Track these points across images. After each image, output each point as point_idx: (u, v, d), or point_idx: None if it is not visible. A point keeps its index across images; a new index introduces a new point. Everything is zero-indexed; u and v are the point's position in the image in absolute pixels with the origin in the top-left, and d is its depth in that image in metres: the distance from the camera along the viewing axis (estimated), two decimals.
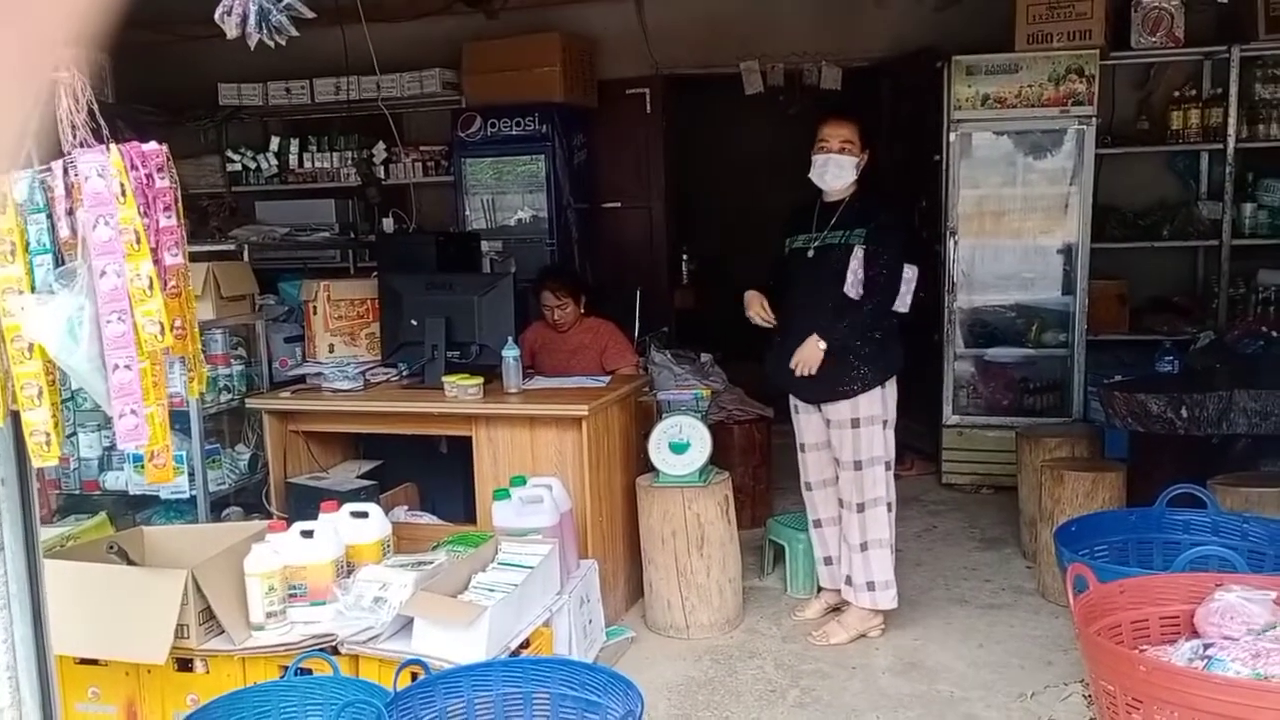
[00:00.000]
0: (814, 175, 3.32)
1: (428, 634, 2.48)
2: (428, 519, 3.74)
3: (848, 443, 3.34)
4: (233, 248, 4.36)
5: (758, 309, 3.32)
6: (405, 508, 3.77)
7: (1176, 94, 5.05)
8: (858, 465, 3.34)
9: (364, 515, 2.96)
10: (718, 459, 3.66)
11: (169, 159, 1.97)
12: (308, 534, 2.83)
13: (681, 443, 3.49)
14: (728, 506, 3.53)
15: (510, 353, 3.55)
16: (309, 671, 2.56)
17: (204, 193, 6.39)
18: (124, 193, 1.81)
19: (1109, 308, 5.11)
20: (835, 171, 3.28)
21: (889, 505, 3.38)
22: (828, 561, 3.58)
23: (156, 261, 1.94)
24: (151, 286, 1.82)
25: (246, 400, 3.82)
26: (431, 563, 2.83)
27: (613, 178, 6.15)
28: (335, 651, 2.59)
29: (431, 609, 2.47)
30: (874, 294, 3.23)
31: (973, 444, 5.12)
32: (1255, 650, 2.06)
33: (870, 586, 3.38)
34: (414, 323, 3.72)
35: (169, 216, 1.96)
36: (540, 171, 5.73)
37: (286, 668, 2.56)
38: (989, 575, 4.00)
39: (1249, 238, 4.97)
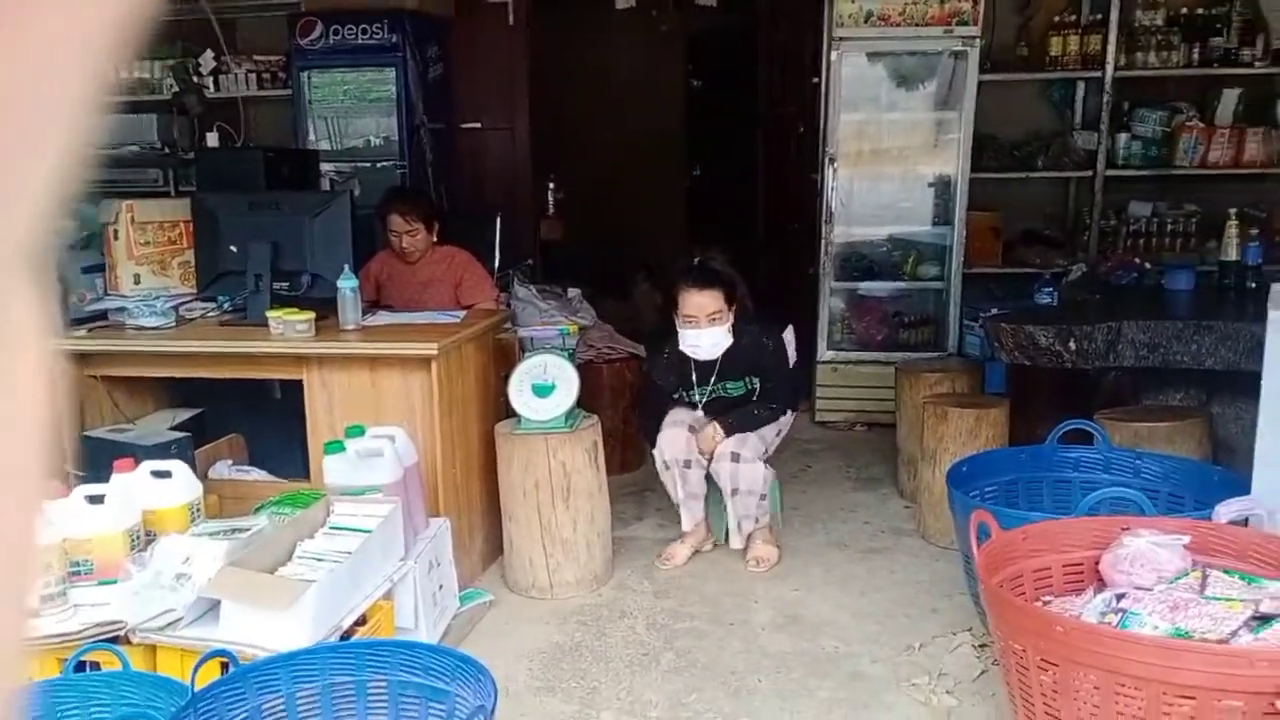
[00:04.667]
0: (686, 349, 3.25)
1: (238, 617, 2.07)
2: (256, 474, 3.28)
3: None
4: None
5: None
6: (229, 462, 3.30)
7: (1057, 19, 4.91)
8: None
9: (167, 475, 2.50)
10: (585, 402, 3.33)
11: None
12: (96, 499, 2.36)
13: (546, 384, 3.14)
14: (596, 454, 3.21)
15: (347, 284, 3.09)
16: (96, 666, 2.13)
17: None
18: None
19: (983, 240, 4.99)
20: (709, 345, 3.22)
21: None
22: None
23: None
24: None
25: None
26: (249, 529, 2.41)
27: (472, 96, 5.64)
28: (126, 641, 2.16)
29: (240, 589, 2.07)
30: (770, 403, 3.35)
31: (847, 380, 4.96)
32: (1171, 602, 1.88)
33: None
34: (234, 249, 3.22)
35: None
36: (390, 87, 5.19)
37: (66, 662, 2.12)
38: (868, 517, 3.84)
39: (1122, 168, 4.91)
